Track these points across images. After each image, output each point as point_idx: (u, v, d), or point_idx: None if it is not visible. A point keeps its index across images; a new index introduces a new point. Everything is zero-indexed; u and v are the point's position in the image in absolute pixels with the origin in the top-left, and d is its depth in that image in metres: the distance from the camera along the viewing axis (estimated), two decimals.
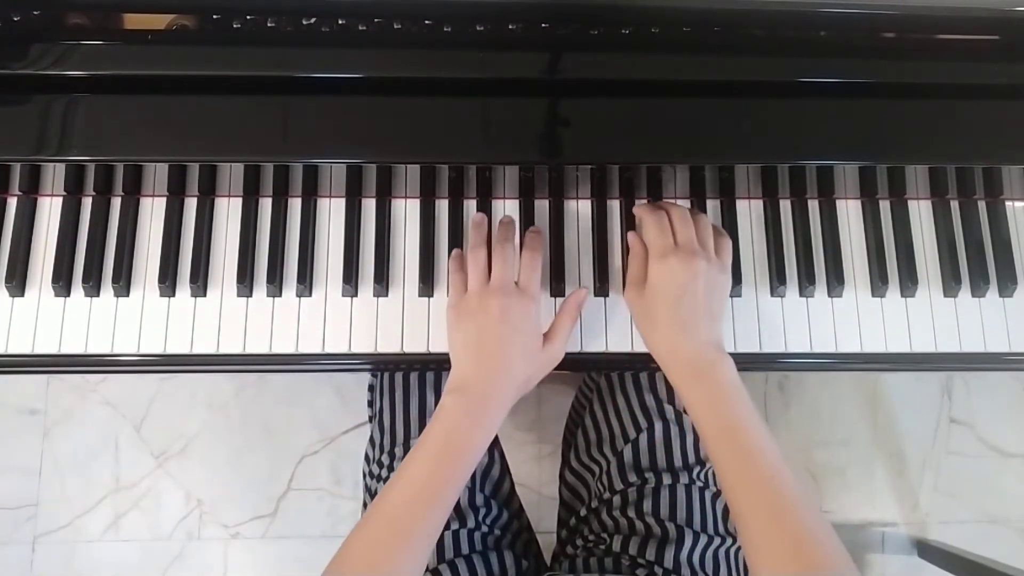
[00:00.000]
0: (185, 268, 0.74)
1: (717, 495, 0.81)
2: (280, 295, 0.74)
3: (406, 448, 0.82)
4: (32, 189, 0.75)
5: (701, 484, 0.80)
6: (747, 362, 0.75)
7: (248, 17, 0.66)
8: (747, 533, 0.58)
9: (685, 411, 0.84)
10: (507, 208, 0.77)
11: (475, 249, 0.69)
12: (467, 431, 0.63)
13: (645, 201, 0.77)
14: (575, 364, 0.75)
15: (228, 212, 0.76)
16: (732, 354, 0.71)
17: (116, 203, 0.75)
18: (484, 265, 0.68)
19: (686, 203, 0.77)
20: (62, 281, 0.73)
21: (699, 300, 0.66)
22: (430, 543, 0.60)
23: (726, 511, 0.81)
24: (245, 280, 0.73)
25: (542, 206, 0.77)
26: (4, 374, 0.75)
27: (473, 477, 0.84)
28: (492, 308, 0.65)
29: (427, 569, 0.73)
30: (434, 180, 0.76)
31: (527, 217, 0.76)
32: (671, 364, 0.66)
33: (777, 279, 0.75)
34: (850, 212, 0.78)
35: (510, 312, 0.65)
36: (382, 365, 0.78)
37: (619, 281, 0.75)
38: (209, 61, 0.66)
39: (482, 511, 0.79)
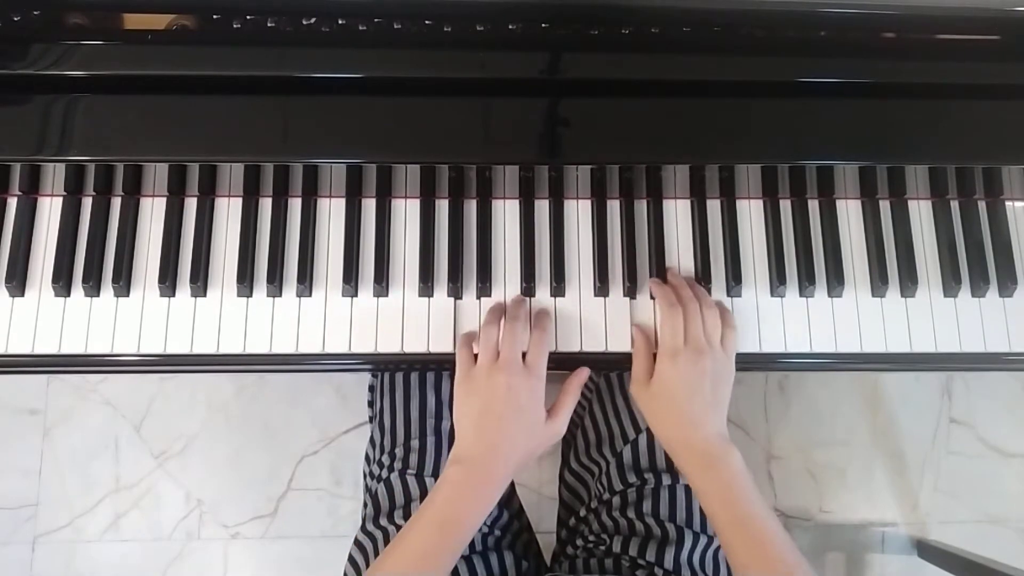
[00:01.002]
0: (185, 268, 0.74)
1: None
2: (280, 295, 0.74)
3: (406, 448, 0.82)
4: (32, 189, 0.75)
5: None
6: (747, 362, 0.75)
7: (248, 17, 0.66)
8: None
9: None
10: (507, 208, 0.77)
11: (488, 327, 0.71)
12: (467, 502, 0.65)
13: (646, 202, 0.77)
14: (575, 364, 0.75)
15: (228, 212, 0.76)
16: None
17: (116, 203, 0.75)
18: (495, 341, 0.69)
19: (686, 203, 0.77)
20: (62, 281, 0.72)
21: (707, 397, 0.68)
22: None
23: None
24: (245, 280, 0.73)
25: (542, 206, 0.77)
26: (4, 374, 0.75)
27: None
28: (499, 386, 0.67)
29: None
30: (434, 180, 0.76)
31: (527, 217, 0.76)
32: (681, 455, 0.68)
33: (777, 279, 0.75)
34: (850, 212, 0.78)
35: (516, 391, 0.67)
36: (382, 365, 0.78)
37: (619, 281, 0.75)
38: (209, 61, 0.66)
39: None
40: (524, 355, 0.69)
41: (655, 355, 0.71)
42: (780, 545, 0.62)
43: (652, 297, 0.75)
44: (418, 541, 0.64)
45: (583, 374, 0.73)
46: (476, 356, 0.70)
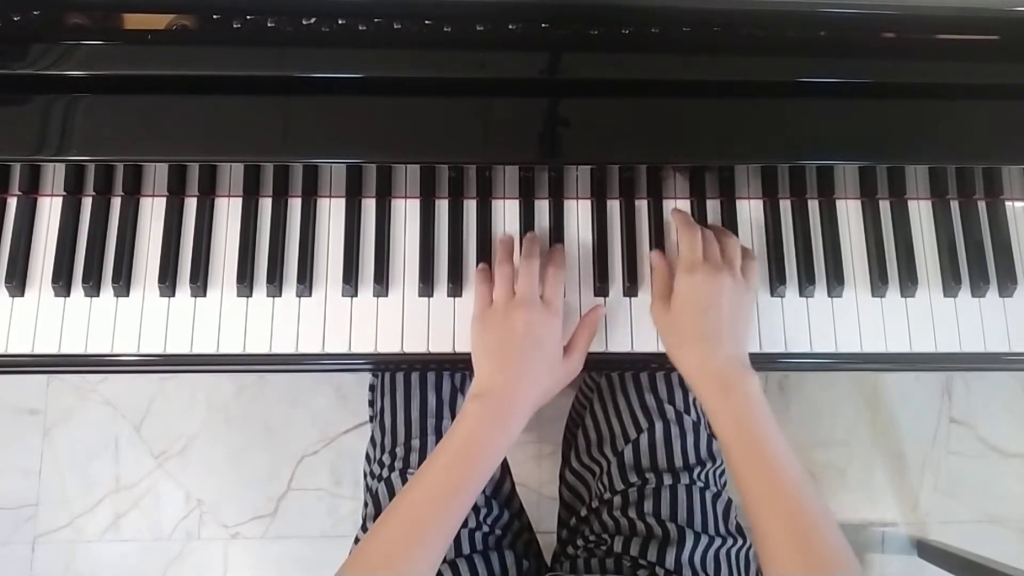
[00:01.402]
0: (185, 268, 0.74)
1: (718, 495, 0.81)
2: (280, 295, 0.74)
3: (407, 448, 0.82)
4: (32, 189, 0.75)
5: (702, 484, 0.80)
6: None
7: (248, 17, 0.66)
8: (769, 550, 0.59)
9: (685, 411, 0.84)
10: (507, 208, 0.77)
11: (502, 263, 0.71)
12: (489, 434, 0.65)
13: (646, 202, 0.77)
14: None
15: (228, 212, 0.76)
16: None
17: (116, 203, 0.75)
18: (510, 278, 0.70)
19: (686, 203, 0.77)
20: (62, 281, 0.72)
21: (724, 315, 0.67)
22: (446, 541, 0.62)
23: (727, 511, 0.81)
24: (245, 280, 0.73)
25: (542, 206, 0.77)
26: (4, 374, 0.75)
27: None
28: (517, 321, 0.67)
29: None
30: (434, 180, 0.76)
31: (527, 217, 0.76)
32: (697, 377, 0.67)
33: (777, 279, 0.75)
34: (850, 212, 0.78)
35: (534, 325, 0.67)
36: (382, 365, 0.78)
37: (619, 281, 0.75)
38: (209, 61, 0.66)
39: (483, 511, 0.79)
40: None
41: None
42: (791, 472, 0.61)
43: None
44: (442, 473, 0.63)
45: (599, 310, 0.73)
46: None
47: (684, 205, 0.77)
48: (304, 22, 0.66)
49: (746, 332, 0.69)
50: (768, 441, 0.62)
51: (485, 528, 0.78)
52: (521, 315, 0.67)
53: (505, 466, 0.89)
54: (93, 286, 0.73)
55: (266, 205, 0.76)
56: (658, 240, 0.76)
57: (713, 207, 0.77)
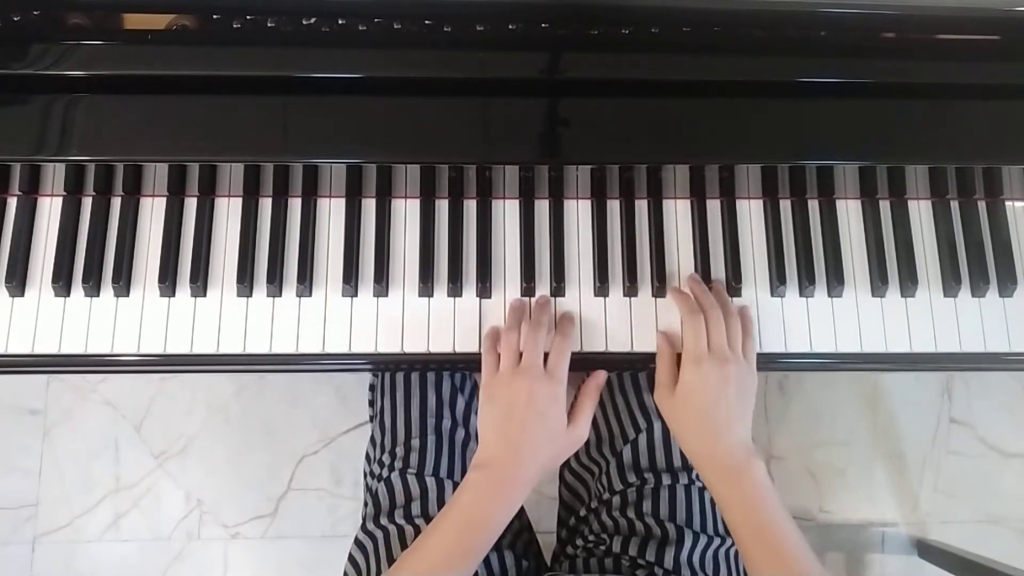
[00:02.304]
0: (185, 268, 0.74)
1: None
2: (280, 295, 0.74)
3: (407, 447, 0.82)
4: (32, 189, 0.75)
5: (700, 484, 0.80)
6: None
7: (248, 17, 0.66)
8: None
9: None
10: (507, 208, 0.77)
11: (510, 331, 0.70)
12: (490, 507, 0.65)
13: (646, 202, 0.77)
14: (575, 364, 0.75)
15: (228, 212, 0.76)
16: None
17: (116, 203, 0.75)
18: (516, 347, 0.69)
19: (686, 203, 0.77)
20: (62, 281, 0.72)
21: (731, 404, 0.67)
22: None
23: None
24: (245, 280, 0.73)
25: (542, 206, 0.77)
26: (4, 374, 0.75)
27: None
28: (520, 391, 0.67)
29: None
30: (434, 180, 0.76)
31: (527, 217, 0.76)
32: (705, 464, 0.68)
33: (777, 279, 0.75)
34: (850, 212, 0.78)
35: (537, 396, 0.67)
36: (382, 365, 0.78)
37: (619, 281, 0.75)
38: (209, 61, 0.66)
39: None
40: (546, 358, 0.69)
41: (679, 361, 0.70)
42: (802, 558, 0.61)
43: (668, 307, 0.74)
44: (442, 543, 0.63)
45: (600, 377, 0.73)
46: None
47: (684, 205, 0.77)
48: (304, 22, 0.66)
49: (750, 413, 0.69)
50: (777, 526, 0.63)
51: None
52: (524, 385, 0.67)
53: None
54: (93, 286, 0.73)
55: (266, 205, 0.76)
56: (658, 241, 0.76)
57: (713, 207, 0.77)
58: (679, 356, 0.71)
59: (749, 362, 0.70)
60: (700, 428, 0.67)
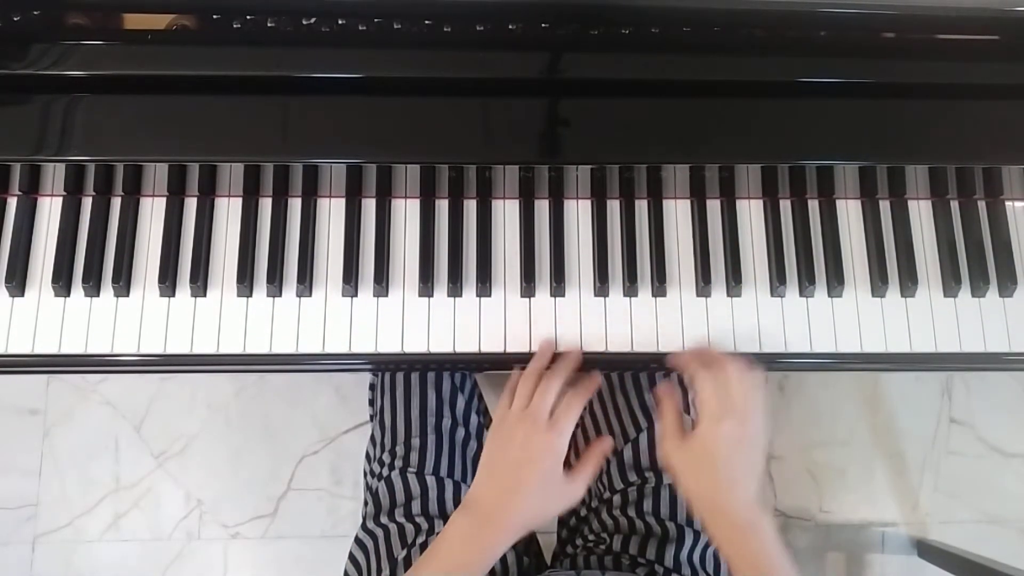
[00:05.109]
0: (185, 268, 0.74)
1: None
2: (280, 295, 0.74)
3: (407, 446, 0.82)
4: (32, 189, 0.75)
5: None
6: None
7: (248, 17, 0.66)
8: None
9: (685, 410, 0.84)
10: (507, 208, 0.77)
11: (528, 376, 0.70)
12: (472, 554, 0.64)
13: (646, 202, 0.77)
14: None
15: (228, 212, 0.75)
16: (732, 354, 0.71)
17: (116, 203, 0.75)
18: (530, 393, 0.68)
19: (686, 203, 0.77)
20: (62, 281, 0.72)
21: (746, 461, 0.66)
22: None
23: None
24: (245, 280, 0.73)
25: (542, 206, 0.77)
26: (4, 374, 0.75)
27: (474, 477, 0.84)
28: (517, 435, 0.67)
29: None
30: (434, 180, 0.76)
31: (527, 217, 0.76)
32: (711, 519, 0.66)
33: (777, 279, 0.75)
34: (850, 212, 0.78)
35: (533, 443, 0.66)
36: (382, 365, 0.78)
37: (619, 281, 0.75)
38: (209, 61, 0.66)
39: None
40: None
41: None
42: None
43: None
44: None
45: (606, 444, 0.73)
46: None
47: (684, 205, 0.77)
48: (304, 22, 0.66)
49: (760, 469, 0.67)
50: None
51: None
52: (523, 430, 0.66)
53: None
54: (93, 286, 0.73)
55: (266, 205, 0.76)
56: (658, 241, 0.76)
57: (713, 207, 0.77)
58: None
59: (761, 419, 0.67)
60: (712, 482, 0.65)
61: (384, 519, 0.79)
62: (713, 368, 0.67)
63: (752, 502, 0.65)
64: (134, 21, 0.66)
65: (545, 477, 0.66)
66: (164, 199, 0.75)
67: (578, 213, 0.77)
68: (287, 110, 0.67)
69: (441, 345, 0.73)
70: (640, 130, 0.69)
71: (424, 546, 0.75)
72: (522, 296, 0.74)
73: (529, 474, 0.66)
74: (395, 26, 0.66)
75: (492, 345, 0.73)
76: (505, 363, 0.75)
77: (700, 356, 0.69)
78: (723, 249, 0.76)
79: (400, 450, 0.82)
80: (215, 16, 0.66)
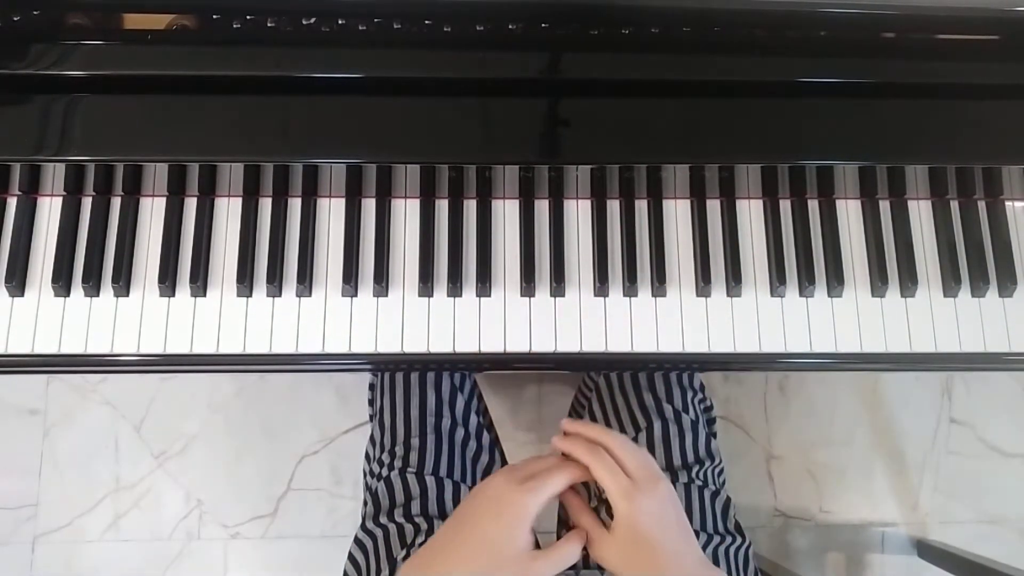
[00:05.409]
0: (185, 268, 0.74)
1: (716, 494, 0.81)
2: (280, 295, 0.74)
3: (407, 446, 0.82)
4: (32, 189, 0.75)
5: (700, 483, 0.80)
6: (747, 362, 0.75)
7: (248, 17, 0.66)
8: None
9: (684, 410, 0.84)
10: (507, 208, 0.77)
11: (538, 457, 0.65)
12: None
13: (645, 202, 0.77)
14: (575, 364, 0.75)
15: (228, 212, 0.76)
16: (732, 354, 0.71)
17: (116, 203, 0.75)
18: (539, 464, 0.64)
19: (686, 203, 0.77)
20: (62, 281, 0.72)
21: (677, 525, 0.62)
22: None
23: (725, 510, 0.81)
24: (245, 280, 0.73)
25: (542, 206, 0.77)
26: (4, 374, 0.75)
27: (474, 476, 0.84)
28: (489, 487, 0.62)
29: None
30: (434, 180, 0.76)
31: (527, 217, 0.76)
32: None
33: (777, 279, 0.75)
34: (850, 212, 0.78)
35: (501, 495, 0.61)
36: (382, 365, 0.78)
37: (619, 281, 0.75)
38: (209, 61, 0.66)
39: None
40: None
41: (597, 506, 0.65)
42: None
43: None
44: None
45: (581, 535, 0.63)
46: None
47: (684, 205, 0.77)
48: (304, 22, 0.66)
49: (688, 523, 0.64)
50: None
51: None
52: (497, 481, 0.61)
53: (504, 465, 0.89)
54: (93, 286, 0.73)
55: (266, 205, 0.76)
56: (658, 241, 0.76)
57: (713, 207, 0.77)
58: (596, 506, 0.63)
59: (662, 475, 0.63)
60: (656, 562, 0.59)
61: (384, 519, 0.79)
62: (596, 452, 0.62)
63: (702, 561, 0.62)
64: (134, 21, 0.66)
65: (499, 535, 0.59)
66: (164, 199, 0.75)
67: (578, 213, 0.77)
68: (287, 110, 0.68)
69: (441, 345, 0.73)
70: (640, 130, 0.69)
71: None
72: (522, 296, 0.75)
73: (488, 525, 0.60)
74: (395, 26, 0.66)
75: (492, 345, 0.73)
76: (505, 363, 0.75)
77: (581, 443, 0.64)
78: (723, 249, 0.76)
79: (400, 450, 0.82)
80: (215, 16, 0.66)
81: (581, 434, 0.65)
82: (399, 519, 0.77)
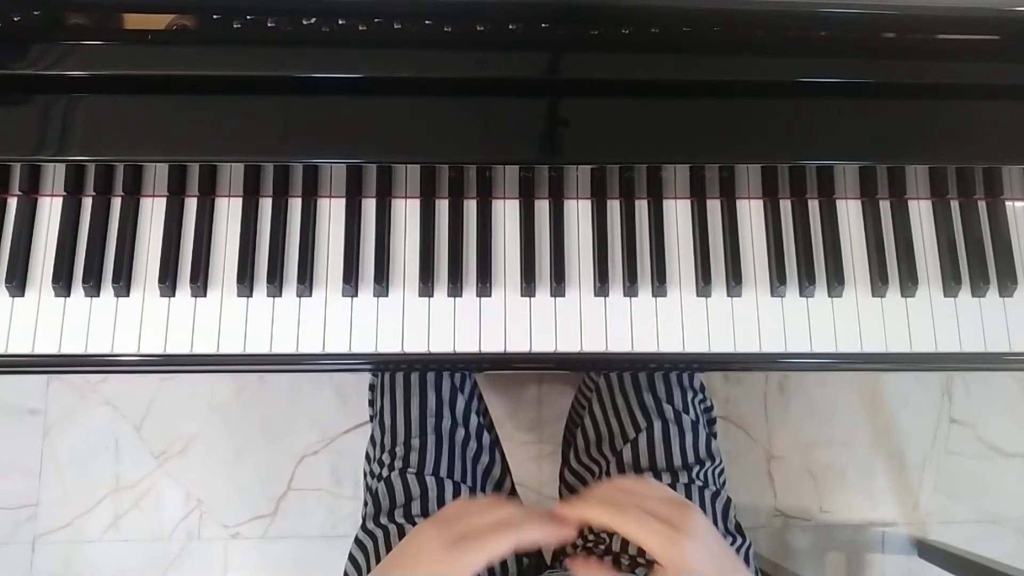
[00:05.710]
0: (185, 268, 0.74)
1: (717, 494, 0.81)
2: (280, 295, 0.74)
3: (407, 447, 0.82)
4: (32, 189, 0.75)
5: (701, 483, 0.80)
6: (747, 362, 0.75)
7: (248, 17, 0.66)
8: None
9: (684, 410, 0.84)
10: (507, 208, 0.77)
11: (489, 504, 0.58)
12: None
13: (646, 201, 0.77)
14: (575, 364, 0.75)
15: (228, 212, 0.76)
16: (732, 354, 0.71)
17: (116, 203, 0.75)
18: (461, 521, 0.56)
19: (686, 203, 0.77)
20: (62, 281, 0.72)
21: (720, 551, 0.56)
22: None
23: (726, 510, 0.81)
24: (245, 280, 0.73)
25: (542, 206, 0.77)
26: (4, 374, 0.75)
27: (474, 477, 0.84)
28: (406, 542, 0.58)
29: None
30: (434, 180, 0.76)
31: (527, 217, 0.76)
32: None
33: (777, 279, 0.75)
34: (850, 212, 0.78)
35: (407, 552, 0.57)
36: (382, 365, 0.78)
37: (619, 281, 0.75)
38: (209, 61, 0.66)
39: None
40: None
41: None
42: None
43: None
44: None
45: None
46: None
47: (684, 205, 0.77)
48: (304, 22, 0.66)
49: (733, 553, 0.60)
50: None
51: None
52: (428, 530, 0.56)
53: (505, 466, 0.89)
54: (93, 286, 0.73)
55: (266, 205, 0.76)
56: (658, 241, 0.76)
57: (713, 207, 0.77)
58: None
59: (685, 500, 0.60)
60: None
61: (384, 519, 0.79)
62: (621, 504, 0.56)
63: None
64: (134, 21, 0.66)
65: (416, 556, 0.54)
66: (164, 199, 0.75)
67: (578, 213, 0.77)
68: (287, 110, 0.68)
69: (441, 345, 0.73)
70: (640, 130, 0.69)
71: None
72: (522, 296, 0.75)
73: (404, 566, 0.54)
74: (395, 26, 0.66)
75: (492, 345, 0.73)
76: (505, 363, 0.75)
77: (600, 503, 0.57)
78: (723, 249, 0.76)
79: (400, 451, 0.82)
80: (215, 16, 0.66)
81: (595, 495, 0.58)
82: (399, 520, 0.77)
